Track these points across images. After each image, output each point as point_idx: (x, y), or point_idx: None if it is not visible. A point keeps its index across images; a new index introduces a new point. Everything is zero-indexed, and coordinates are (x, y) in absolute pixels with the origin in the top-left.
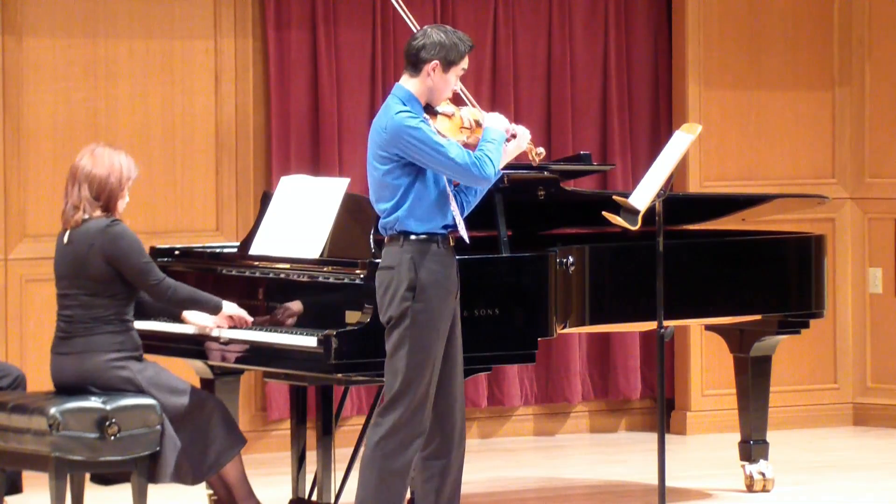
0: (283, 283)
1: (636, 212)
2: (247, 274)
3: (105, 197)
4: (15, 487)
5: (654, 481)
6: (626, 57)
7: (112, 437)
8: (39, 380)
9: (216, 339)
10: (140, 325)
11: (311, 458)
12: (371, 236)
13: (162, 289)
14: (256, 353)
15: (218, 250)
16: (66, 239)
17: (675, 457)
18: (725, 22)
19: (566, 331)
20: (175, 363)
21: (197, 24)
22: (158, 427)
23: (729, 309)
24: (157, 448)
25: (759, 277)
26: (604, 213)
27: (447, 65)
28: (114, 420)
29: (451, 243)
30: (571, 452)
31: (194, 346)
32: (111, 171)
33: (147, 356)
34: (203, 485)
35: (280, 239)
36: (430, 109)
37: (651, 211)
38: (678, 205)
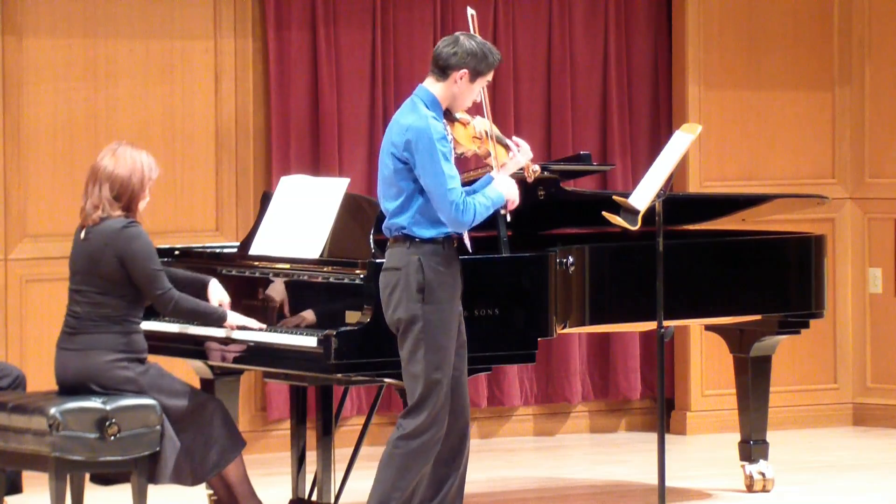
0: (283, 283)
1: (636, 212)
2: (247, 274)
3: (126, 197)
4: (15, 487)
5: (654, 481)
6: (626, 57)
7: (112, 438)
8: (39, 380)
9: (216, 339)
10: (141, 324)
11: (311, 458)
12: (371, 236)
13: (165, 299)
14: (256, 353)
15: (218, 250)
16: (83, 235)
17: (675, 457)
18: (725, 22)
19: (566, 331)
20: (175, 363)
21: (197, 24)
22: (158, 427)
23: (729, 309)
24: (157, 448)
25: (759, 277)
26: (604, 213)
27: (475, 74)
28: (114, 420)
29: (455, 244)
30: (571, 452)
31: (194, 346)
32: (133, 171)
33: (148, 356)
34: (203, 485)
35: (280, 239)
36: (448, 115)
37: (651, 211)
38: (678, 205)
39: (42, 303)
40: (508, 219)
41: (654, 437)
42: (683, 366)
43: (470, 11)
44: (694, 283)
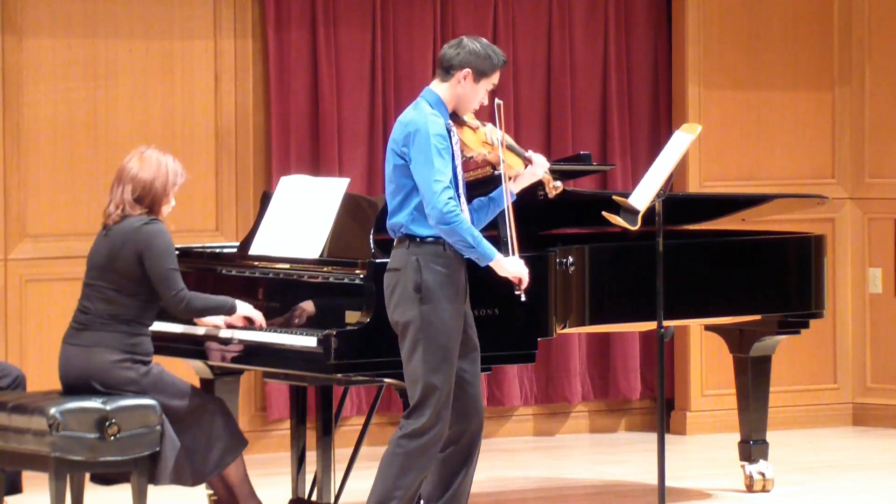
0: (283, 283)
1: (636, 212)
2: (247, 274)
3: (149, 200)
4: (15, 487)
5: (654, 481)
6: (626, 57)
7: (112, 438)
8: (39, 380)
9: (216, 339)
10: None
11: (311, 458)
12: (371, 236)
13: (177, 300)
14: (256, 353)
15: (218, 250)
16: (104, 233)
17: (675, 457)
18: (725, 22)
19: (566, 331)
20: (175, 363)
21: (197, 25)
22: (158, 427)
23: (729, 309)
24: (157, 448)
25: (759, 277)
26: (604, 213)
27: (478, 75)
28: (114, 420)
29: None
30: (571, 452)
31: (194, 346)
32: (157, 175)
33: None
34: (203, 485)
35: (280, 239)
36: (456, 118)
37: (651, 211)
38: (678, 205)
39: (42, 303)
40: (523, 298)
41: (653, 437)
42: (683, 366)
43: (497, 101)
44: (694, 283)
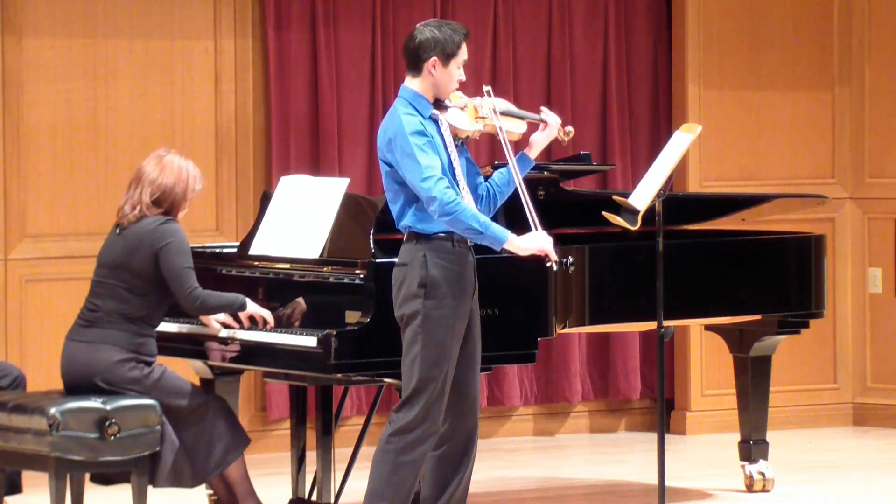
0: (283, 283)
1: (636, 212)
2: (247, 274)
3: (167, 204)
4: (15, 487)
5: (654, 481)
6: (626, 57)
7: (112, 437)
8: (39, 380)
9: (216, 339)
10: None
11: (311, 458)
12: (371, 236)
13: (192, 298)
14: (256, 353)
15: (218, 250)
16: (118, 231)
17: (675, 457)
18: (725, 22)
19: (566, 331)
20: (175, 363)
21: (197, 25)
22: (158, 427)
23: (729, 309)
24: (157, 448)
25: (759, 277)
26: (604, 213)
27: (446, 58)
28: (114, 420)
29: (469, 242)
30: (571, 452)
31: (194, 346)
32: (178, 180)
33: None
34: (203, 485)
35: (280, 239)
36: (439, 105)
37: (651, 211)
38: (678, 205)
39: (42, 303)
40: (555, 268)
41: (653, 437)
42: (683, 366)
43: (486, 88)
44: (694, 283)
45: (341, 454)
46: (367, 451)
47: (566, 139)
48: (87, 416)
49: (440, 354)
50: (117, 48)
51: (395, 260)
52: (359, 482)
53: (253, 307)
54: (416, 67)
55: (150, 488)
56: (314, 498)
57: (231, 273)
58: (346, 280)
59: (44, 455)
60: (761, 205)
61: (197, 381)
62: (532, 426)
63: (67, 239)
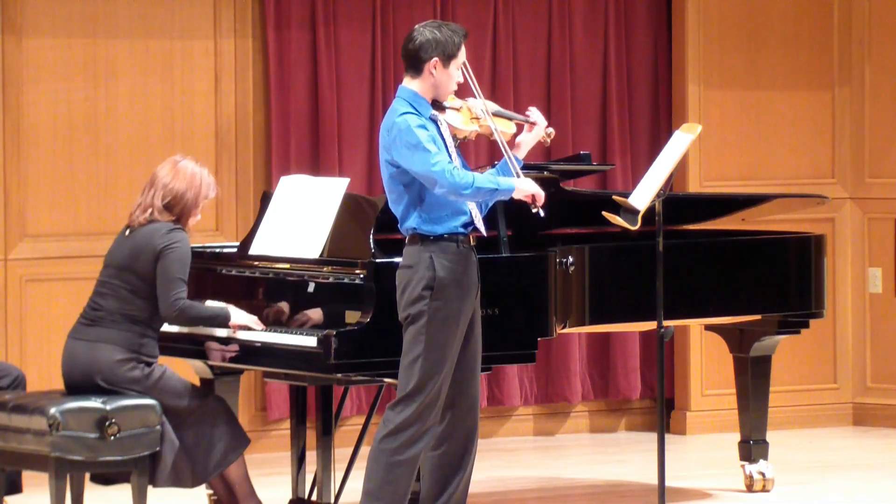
0: (283, 283)
1: (636, 212)
2: (247, 274)
3: (178, 210)
4: (15, 487)
5: (654, 481)
6: (626, 57)
7: (112, 437)
8: (39, 380)
9: (216, 339)
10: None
11: (311, 458)
12: (371, 236)
13: (172, 306)
14: (256, 353)
15: (218, 250)
16: (126, 233)
17: (675, 457)
18: (725, 22)
19: (566, 331)
20: (175, 363)
21: (197, 24)
22: (158, 427)
23: (729, 309)
24: (157, 448)
25: (759, 277)
26: (604, 213)
27: (447, 59)
28: (114, 420)
29: (473, 243)
30: (571, 452)
31: (194, 345)
32: (190, 186)
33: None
34: (203, 485)
35: (280, 239)
36: (438, 105)
37: (651, 211)
38: (678, 205)
39: (42, 303)
40: (542, 214)
41: (653, 436)
42: (683, 366)
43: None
44: (694, 283)
45: (341, 454)
46: (367, 451)
47: (548, 140)
48: (87, 416)
49: (442, 356)
50: (117, 48)
51: (396, 260)
52: (359, 482)
53: (238, 318)
54: (416, 68)
55: (150, 488)
56: (314, 498)
57: (231, 273)
58: (346, 280)
59: (44, 455)
60: (761, 205)
61: (197, 381)
62: (532, 426)
63: (67, 239)
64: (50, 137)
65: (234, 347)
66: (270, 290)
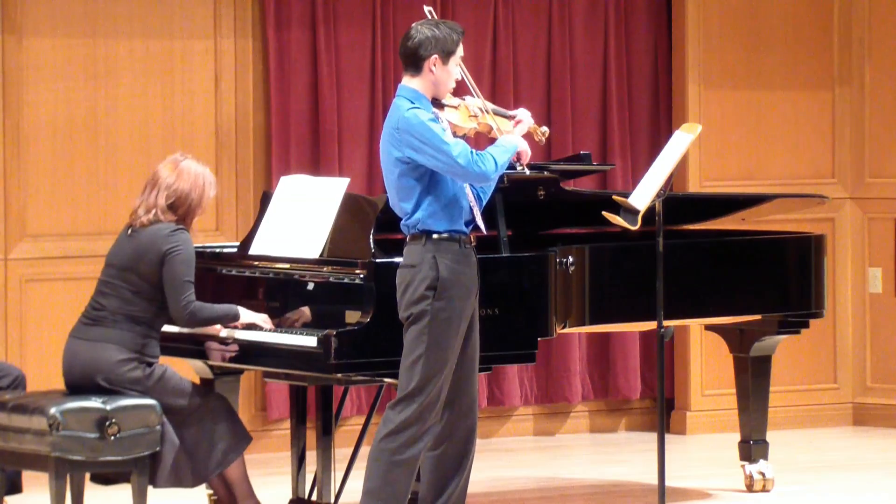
0: (283, 283)
1: (636, 212)
2: (247, 274)
3: (183, 210)
4: (15, 487)
5: (654, 481)
6: (626, 57)
7: (112, 437)
8: (39, 380)
9: (216, 339)
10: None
11: (311, 458)
12: (371, 236)
13: (183, 309)
14: (256, 353)
15: (218, 250)
16: (129, 232)
17: (675, 457)
18: (725, 22)
19: (566, 331)
20: (175, 363)
21: (197, 24)
22: (158, 427)
23: (729, 309)
24: (157, 448)
25: (759, 277)
26: (604, 213)
27: (446, 56)
28: (114, 420)
29: (473, 243)
30: (571, 452)
31: (194, 345)
32: (194, 186)
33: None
34: (203, 485)
35: (280, 239)
36: (437, 103)
37: (651, 211)
38: (678, 205)
39: (42, 303)
40: (527, 172)
41: (654, 436)
42: (683, 366)
43: (427, 8)
44: (694, 283)
45: (341, 454)
46: (368, 451)
47: (543, 139)
48: (88, 415)
49: (443, 356)
50: (117, 48)
51: (396, 260)
52: (359, 482)
53: (247, 317)
54: (415, 66)
55: (150, 488)
56: (314, 498)
57: (231, 273)
58: (346, 280)
59: (44, 455)
60: (761, 205)
61: (197, 381)
62: (532, 426)
63: (67, 239)
64: (50, 137)
65: (234, 347)
66: (270, 289)
